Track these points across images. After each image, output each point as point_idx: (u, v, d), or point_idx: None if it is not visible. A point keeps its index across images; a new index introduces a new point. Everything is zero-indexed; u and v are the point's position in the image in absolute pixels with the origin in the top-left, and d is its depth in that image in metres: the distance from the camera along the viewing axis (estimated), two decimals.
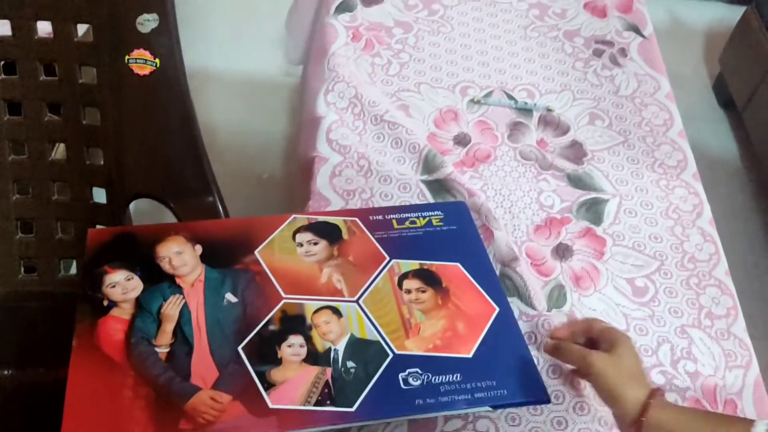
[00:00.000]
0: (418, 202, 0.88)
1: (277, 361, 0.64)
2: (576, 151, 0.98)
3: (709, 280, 0.84)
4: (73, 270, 0.89)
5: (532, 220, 0.88)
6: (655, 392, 0.61)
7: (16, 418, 0.78)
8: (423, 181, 0.90)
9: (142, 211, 1.03)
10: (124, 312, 0.67)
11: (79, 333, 0.64)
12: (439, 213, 0.83)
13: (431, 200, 0.88)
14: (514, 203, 0.90)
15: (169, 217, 0.84)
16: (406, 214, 0.82)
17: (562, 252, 0.86)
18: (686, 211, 0.91)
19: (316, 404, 0.61)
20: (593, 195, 0.92)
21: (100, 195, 0.85)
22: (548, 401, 0.65)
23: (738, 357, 0.78)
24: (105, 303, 0.67)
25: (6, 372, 0.81)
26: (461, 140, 0.98)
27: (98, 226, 0.87)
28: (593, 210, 0.91)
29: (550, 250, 0.86)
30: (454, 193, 0.89)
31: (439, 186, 0.90)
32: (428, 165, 0.92)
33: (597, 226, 0.88)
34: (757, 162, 1.93)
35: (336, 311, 0.69)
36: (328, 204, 0.87)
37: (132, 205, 0.86)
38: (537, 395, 0.65)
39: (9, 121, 0.80)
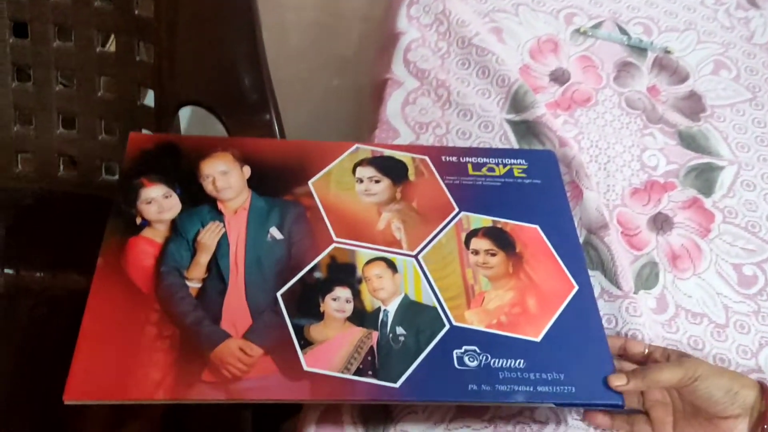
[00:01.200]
0: (499, 145, 0.76)
1: (319, 316, 0.56)
2: (693, 105, 0.84)
3: None
4: (117, 175, 0.83)
5: (629, 182, 0.76)
6: (761, 383, 0.54)
7: (44, 323, 0.75)
8: (508, 121, 0.78)
9: (193, 121, 0.96)
10: (157, 234, 0.60)
11: (105, 251, 0.58)
12: (523, 162, 0.72)
13: (515, 145, 0.77)
14: (611, 159, 0.77)
15: (220, 133, 0.75)
16: (485, 159, 0.71)
17: (661, 223, 0.74)
18: None
19: (356, 373, 0.53)
20: (706, 159, 0.79)
21: (148, 98, 0.77)
22: (622, 406, 0.56)
23: None
24: (138, 221, 0.60)
25: (38, 274, 0.77)
26: (559, 77, 0.84)
27: (144, 131, 0.79)
28: (704, 177, 0.77)
29: (647, 220, 0.74)
30: (542, 139, 0.77)
31: (526, 129, 0.78)
32: (517, 103, 0.79)
33: (706, 197, 0.75)
34: None
35: (391, 265, 0.61)
36: (396, 136, 0.76)
37: (183, 115, 0.78)
38: (610, 398, 0.56)
39: (55, 3, 0.72)
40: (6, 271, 0.76)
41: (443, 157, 0.71)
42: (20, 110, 0.76)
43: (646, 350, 0.60)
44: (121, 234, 0.59)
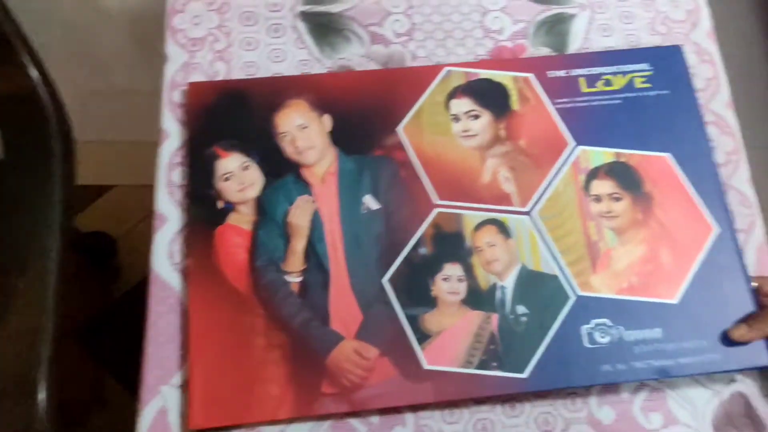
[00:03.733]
0: (295, 52, 0.62)
1: (431, 302, 0.52)
2: None
3: (705, 115, 0.60)
4: None
5: (474, 54, 0.63)
6: None
7: None
8: (303, 17, 0.63)
9: None
10: (243, 219, 0.54)
11: (193, 249, 0.53)
12: (646, 66, 0.60)
13: (313, 49, 0.62)
14: (448, 34, 0.63)
15: None
16: (600, 69, 0.60)
17: None
18: (678, 20, 0.65)
19: (479, 366, 0.50)
20: (555, 10, 0.65)
21: None
22: None
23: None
24: (220, 204, 0.55)
25: None
26: None
27: None
28: (556, 31, 0.64)
29: None
30: (348, 35, 0.63)
31: (327, 24, 0.63)
32: None
33: (561, 54, 0.63)
34: None
35: (503, 229, 0.54)
36: (164, 61, 0.61)
37: None
38: (761, 359, 0.51)
39: None
40: None
41: (549, 73, 0.60)
42: None
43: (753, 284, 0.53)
44: (206, 224, 0.54)
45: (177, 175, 0.58)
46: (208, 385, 0.49)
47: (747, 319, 0.51)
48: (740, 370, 0.52)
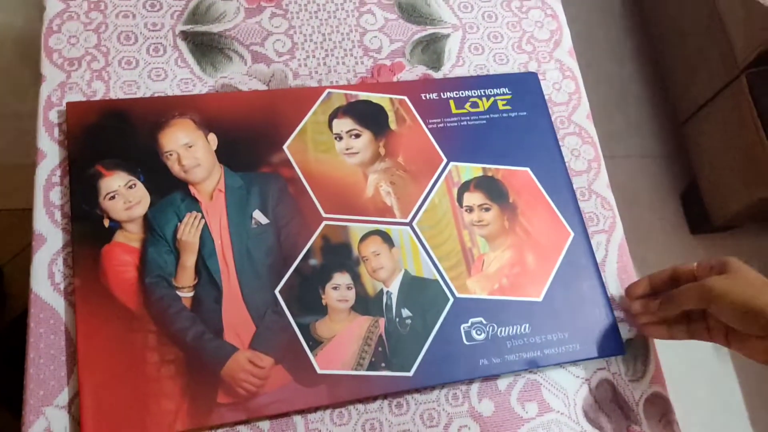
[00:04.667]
0: (176, 70, 0.63)
1: (322, 310, 0.54)
2: None
3: (568, 127, 0.70)
4: None
5: (354, 72, 0.68)
6: None
7: None
8: (184, 36, 0.65)
9: None
10: (131, 237, 0.54)
11: (79, 267, 0.52)
12: (506, 91, 0.67)
13: (195, 68, 0.64)
14: (329, 52, 0.69)
15: None
16: (467, 92, 0.66)
17: None
18: (542, 39, 0.73)
19: (369, 367, 0.53)
20: (430, 30, 0.71)
21: None
22: (624, 353, 0.59)
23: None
24: (106, 223, 0.54)
25: None
26: None
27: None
28: (431, 50, 0.70)
29: None
30: (229, 54, 0.65)
31: (208, 43, 0.65)
32: (198, 14, 0.67)
33: (436, 71, 0.70)
34: None
35: (387, 239, 0.58)
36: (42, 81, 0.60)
37: None
38: (612, 350, 0.58)
39: None
40: None
41: (423, 95, 0.65)
42: None
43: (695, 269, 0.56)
44: (92, 243, 0.53)
45: (56, 195, 0.56)
46: (100, 404, 0.48)
47: (661, 298, 0.56)
48: (597, 358, 0.58)
